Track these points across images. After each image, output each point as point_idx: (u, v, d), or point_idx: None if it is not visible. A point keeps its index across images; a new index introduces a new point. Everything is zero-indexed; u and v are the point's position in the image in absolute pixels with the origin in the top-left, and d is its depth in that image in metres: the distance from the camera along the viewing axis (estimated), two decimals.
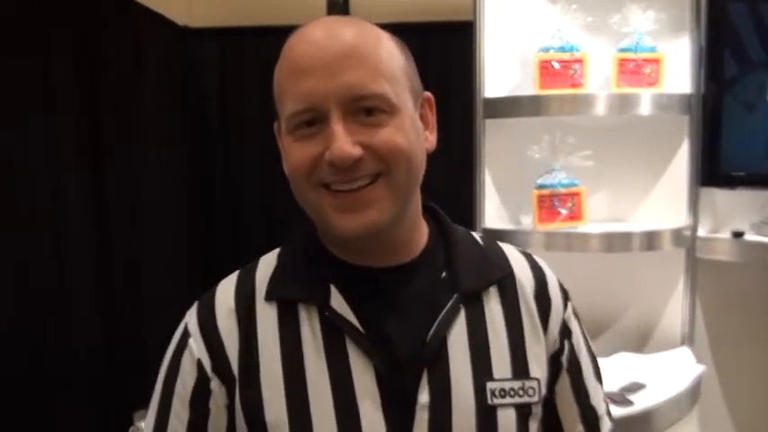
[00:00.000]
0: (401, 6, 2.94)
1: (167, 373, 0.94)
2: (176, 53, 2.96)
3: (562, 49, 2.15)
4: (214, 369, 0.90)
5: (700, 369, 2.04)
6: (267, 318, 0.91)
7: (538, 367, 0.95)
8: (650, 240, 2.15)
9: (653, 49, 2.14)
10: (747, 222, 2.22)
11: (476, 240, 1.02)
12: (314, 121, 0.84)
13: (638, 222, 2.30)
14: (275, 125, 0.94)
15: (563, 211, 2.18)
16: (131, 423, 1.96)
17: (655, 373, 2.04)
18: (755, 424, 2.37)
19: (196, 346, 0.91)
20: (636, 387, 1.95)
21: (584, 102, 2.12)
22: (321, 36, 0.85)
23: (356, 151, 0.82)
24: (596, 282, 2.19)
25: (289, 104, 0.85)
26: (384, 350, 0.88)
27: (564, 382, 1.00)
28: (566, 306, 1.02)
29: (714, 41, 2.07)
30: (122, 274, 2.47)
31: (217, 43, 3.12)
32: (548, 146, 2.15)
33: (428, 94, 0.95)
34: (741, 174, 2.11)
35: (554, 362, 0.98)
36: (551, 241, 2.14)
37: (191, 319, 0.95)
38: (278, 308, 0.91)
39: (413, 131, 0.88)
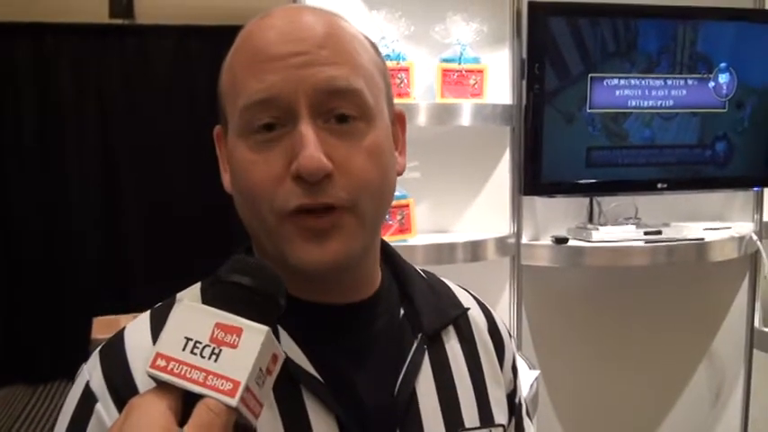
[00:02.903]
0: (189, 9, 2.71)
1: None
2: None
3: (388, 58, 2.09)
4: None
5: (535, 374, 2.08)
6: None
7: (501, 412, 0.86)
8: (476, 250, 2.16)
9: (477, 60, 2.15)
10: (565, 228, 2.32)
11: (420, 273, 0.90)
12: (274, 123, 0.68)
13: (462, 232, 2.31)
14: (215, 130, 0.76)
15: (393, 225, 2.12)
16: None
17: None
18: (582, 423, 2.49)
19: (107, 412, 0.68)
20: None
21: (408, 112, 2.07)
22: (288, 23, 0.70)
23: (329, 164, 0.67)
24: None
25: (243, 96, 0.68)
26: (348, 401, 0.73)
27: (511, 425, 0.92)
28: (510, 340, 0.94)
29: (535, 54, 2.12)
30: None
31: None
32: None
33: (401, 109, 0.81)
34: (561, 182, 2.20)
35: (510, 404, 0.90)
36: None
37: (92, 375, 0.71)
38: None
39: (389, 152, 0.74)
